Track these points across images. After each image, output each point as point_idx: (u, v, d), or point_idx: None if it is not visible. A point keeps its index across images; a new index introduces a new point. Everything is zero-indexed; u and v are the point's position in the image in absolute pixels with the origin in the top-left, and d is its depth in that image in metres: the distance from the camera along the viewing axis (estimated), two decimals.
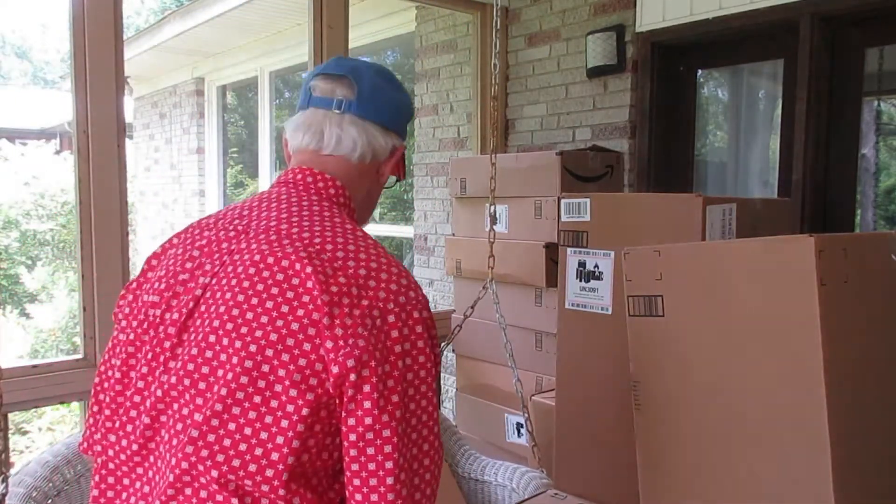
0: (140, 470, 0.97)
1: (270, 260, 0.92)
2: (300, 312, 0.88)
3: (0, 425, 1.11)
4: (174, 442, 0.92)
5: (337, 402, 0.88)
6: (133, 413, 0.97)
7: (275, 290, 0.89)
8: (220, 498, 0.88)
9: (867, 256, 1.37)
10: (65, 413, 5.05)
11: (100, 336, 2.08)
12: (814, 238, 1.20)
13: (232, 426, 0.88)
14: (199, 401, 0.90)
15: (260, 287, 0.90)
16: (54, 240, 7.98)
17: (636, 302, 1.44)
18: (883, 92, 2.47)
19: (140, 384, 0.97)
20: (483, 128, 3.37)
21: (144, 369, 0.97)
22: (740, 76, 2.87)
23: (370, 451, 0.87)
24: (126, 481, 0.98)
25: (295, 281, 0.90)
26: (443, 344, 2.41)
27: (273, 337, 0.88)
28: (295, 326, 0.88)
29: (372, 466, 0.88)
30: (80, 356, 2.10)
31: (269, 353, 0.88)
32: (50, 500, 1.32)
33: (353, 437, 0.87)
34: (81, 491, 1.40)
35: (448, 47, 3.59)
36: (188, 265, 0.98)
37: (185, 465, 0.89)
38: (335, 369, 0.86)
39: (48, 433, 4.88)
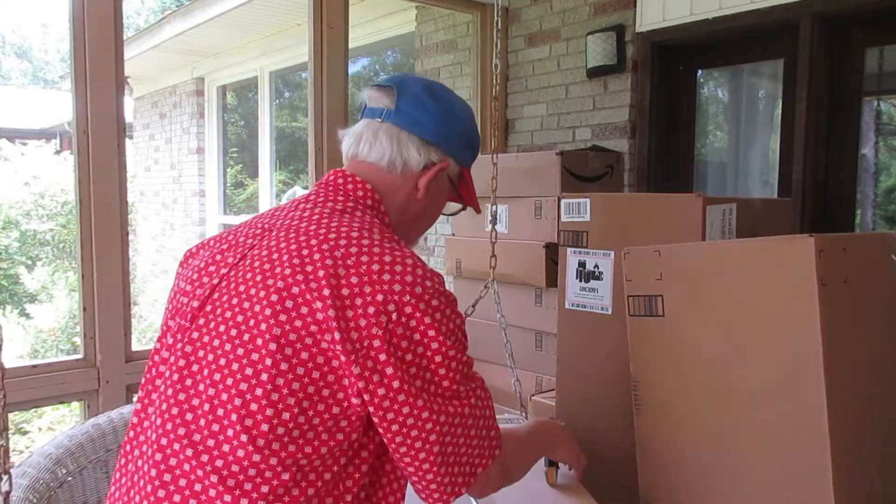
0: (138, 433, 1.00)
1: (285, 257, 0.93)
2: (304, 310, 0.88)
3: (2, 424, 1.12)
4: (168, 426, 0.93)
5: (355, 398, 0.89)
6: (154, 395, 1.00)
7: (281, 284, 0.90)
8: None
9: (867, 256, 1.37)
10: (65, 413, 5.04)
11: (100, 336, 2.08)
12: (814, 238, 1.20)
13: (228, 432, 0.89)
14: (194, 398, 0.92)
15: (270, 282, 0.91)
16: (54, 240, 7.97)
17: (636, 302, 1.44)
18: (883, 92, 2.47)
19: (162, 368, 0.99)
20: (483, 128, 3.37)
21: (166, 354, 1.00)
22: (740, 76, 2.87)
23: (401, 439, 0.91)
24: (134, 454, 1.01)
25: (308, 279, 0.90)
26: None
27: (277, 335, 0.89)
28: (298, 324, 0.88)
29: (408, 460, 0.93)
30: (80, 356, 2.10)
31: (270, 354, 0.88)
32: (53, 492, 1.32)
33: (393, 428, 0.90)
34: (84, 482, 1.41)
35: (448, 47, 3.59)
36: (217, 257, 1.01)
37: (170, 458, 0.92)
38: (356, 370, 0.87)
39: (48, 433, 4.88)
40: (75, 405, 4.22)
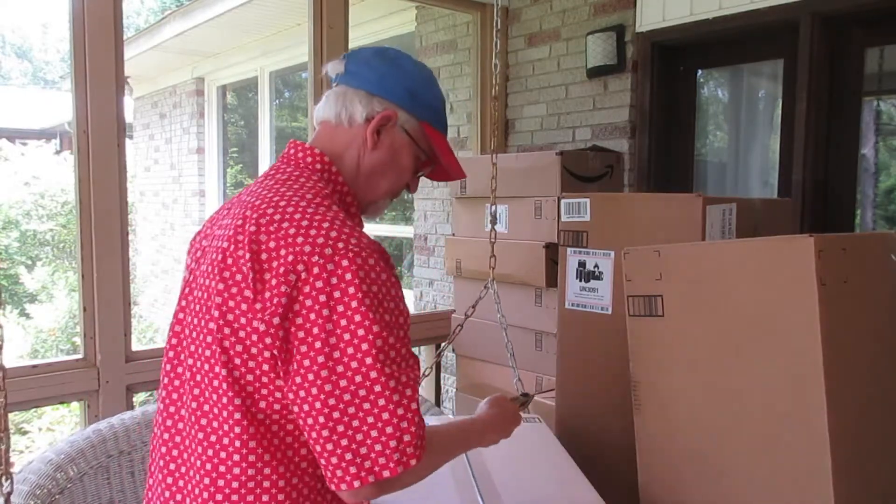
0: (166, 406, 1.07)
1: (230, 231, 0.99)
2: (234, 291, 0.94)
3: (1, 425, 1.12)
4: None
5: (268, 363, 0.92)
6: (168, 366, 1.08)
7: (220, 257, 0.97)
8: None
9: (867, 256, 1.37)
10: (65, 413, 5.04)
11: (100, 336, 2.08)
12: (814, 238, 1.20)
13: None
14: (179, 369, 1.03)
15: (215, 255, 0.99)
16: (54, 240, 7.97)
17: (636, 302, 1.44)
18: (883, 92, 2.47)
19: (174, 341, 1.08)
20: (483, 128, 3.37)
21: (175, 341, 1.08)
22: (740, 76, 2.87)
23: (298, 409, 0.91)
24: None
25: (237, 247, 0.96)
26: (443, 344, 2.41)
27: (220, 304, 0.95)
28: (234, 291, 0.94)
29: (307, 427, 0.91)
30: (80, 356, 2.10)
31: (217, 326, 0.96)
32: (54, 498, 1.32)
33: (290, 396, 0.91)
34: (85, 488, 1.41)
35: (448, 47, 3.59)
36: (201, 241, 1.09)
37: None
38: (261, 327, 0.91)
39: (48, 433, 4.88)
40: (75, 405, 4.22)
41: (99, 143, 2.06)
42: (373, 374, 0.89)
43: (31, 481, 1.30)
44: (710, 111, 2.98)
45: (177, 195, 6.87)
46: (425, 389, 2.96)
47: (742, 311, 1.30)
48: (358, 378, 0.89)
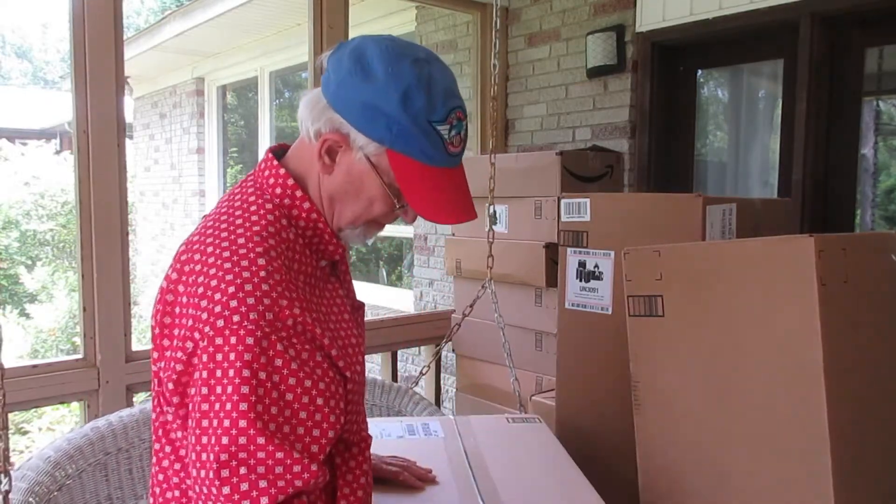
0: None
1: (173, 264, 0.97)
2: (156, 330, 0.96)
3: (2, 424, 1.12)
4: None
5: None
6: None
7: (164, 284, 0.97)
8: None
9: (867, 256, 1.37)
10: (65, 413, 5.04)
11: (100, 336, 2.08)
12: (814, 238, 1.20)
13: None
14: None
15: (163, 284, 0.97)
16: (54, 240, 7.97)
17: (636, 302, 1.44)
18: (883, 92, 2.47)
19: None
20: (483, 128, 3.37)
21: None
22: (740, 76, 2.87)
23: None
24: None
25: (168, 283, 0.96)
26: (442, 343, 2.41)
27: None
28: (165, 321, 0.95)
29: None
30: (80, 356, 2.10)
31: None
32: (52, 495, 1.32)
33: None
34: (83, 485, 1.41)
35: (448, 47, 3.59)
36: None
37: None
38: (172, 375, 0.90)
39: (48, 433, 4.88)
40: (75, 405, 4.22)
41: (99, 143, 2.06)
42: (223, 474, 0.84)
43: (29, 478, 1.30)
44: (710, 111, 2.98)
45: (177, 195, 6.87)
46: (424, 389, 2.96)
47: (742, 311, 1.30)
48: (204, 472, 0.86)
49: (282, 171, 0.98)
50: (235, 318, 0.85)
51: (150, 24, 6.80)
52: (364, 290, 4.56)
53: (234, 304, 0.86)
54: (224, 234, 0.93)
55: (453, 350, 2.95)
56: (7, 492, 1.13)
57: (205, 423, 0.85)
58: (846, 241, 1.30)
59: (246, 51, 5.48)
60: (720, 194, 2.81)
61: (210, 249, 0.92)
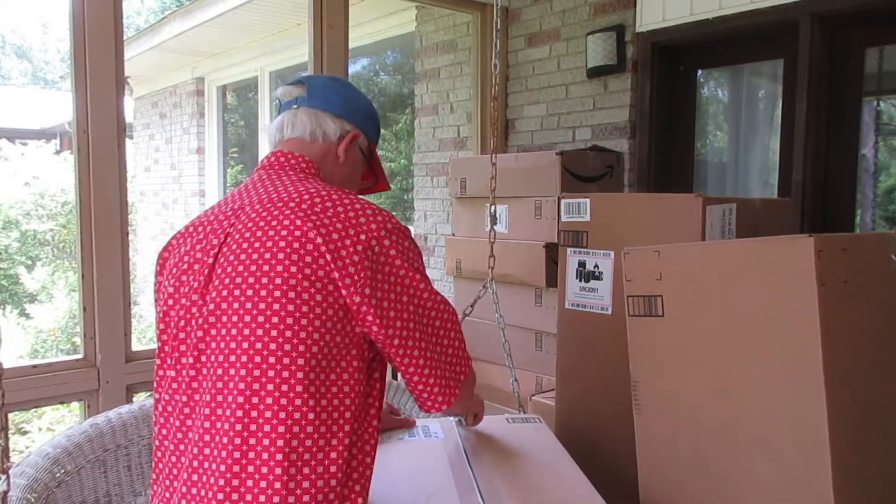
0: (188, 397, 1.08)
1: (274, 223, 1.05)
2: (308, 260, 1.02)
3: (1, 424, 1.12)
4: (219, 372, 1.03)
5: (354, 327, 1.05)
6: (183, 359, 1.09)
7: (282, 244, 1.03)
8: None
9: (867, 256, 1.37)
10: (65, 413, 5.04)
11: (100, 336, 2.08)
12: (814, 238, 1.20)
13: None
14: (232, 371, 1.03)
15: (269, 244, 1.04)
16: (54, 240, 7.97)
17: (636, 302, 1.44)
18: (883, 92, 2.47)
19: (181, 335, 1.10)
20: (483, 128, 3.37)
21: (184, 348, 1.08)
22: (740, 76, 2.87)
23: (403, 351, 1.09)
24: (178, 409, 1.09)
25: (297, 234, 1.03)
26: None
27: (287, 288, 1.01)
28: (307, 275, 1.02)
29: (412, 369, 1.12)
30: (80, 356, 2.10)
31: (285, 303, 1.01)
32: (51, 492, 1.33)
33: (395, 342, 1.07)
34: (82, 482, 1.41)
35: (448, 47, 3.59)
36: (198, 246, 1.11)
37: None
38: (357, 299, 1.03)
39: (48, 433, 4.87)
40: (75, 405, 4.22)
41: (99, 143, 2.06)
42: (438, 304, 1.14)
43: (28, 475, 1.30)
44: (710, 111, 2.99)
45: (177, 195, 6.87)
46: None
47: (742, 311, 1.30)
48: (433, 313, 1.14)
49: (306, 157, 1.22)
50: (389, 226, 1.10)
51: (150, 24, 6.80)
52: None
53: (383, 215, 1.12)
54: (313, 188, 1.13)
55: None
56: (5, 492, 1.13)
57: (411, 281, 1.09)
58: (846, 242, 1.30)
59: (246, 51, 5.48)
60: (720, 194, 2.81)
61: (335, 197, 1.11)
